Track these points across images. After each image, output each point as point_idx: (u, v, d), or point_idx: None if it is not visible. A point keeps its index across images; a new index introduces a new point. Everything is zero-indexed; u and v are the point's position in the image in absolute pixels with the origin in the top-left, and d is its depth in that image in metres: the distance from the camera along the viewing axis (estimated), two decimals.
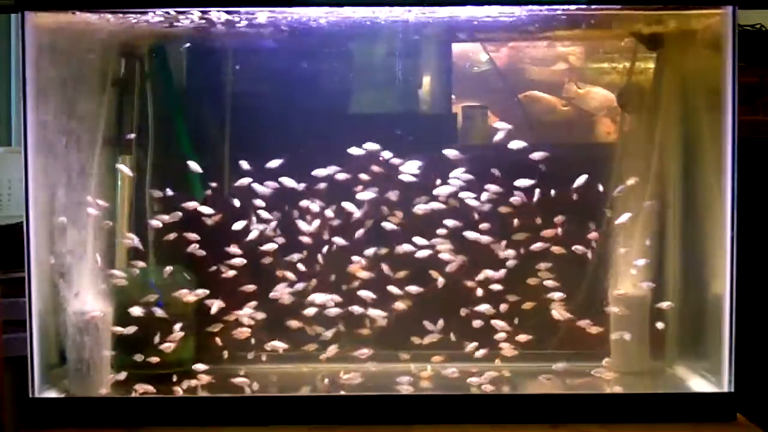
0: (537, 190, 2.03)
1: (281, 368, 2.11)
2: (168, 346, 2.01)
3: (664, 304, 2.05)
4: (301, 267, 2.08)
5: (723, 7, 1.89)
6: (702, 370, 2.05)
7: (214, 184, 2.09)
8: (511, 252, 2.06)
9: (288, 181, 2.05)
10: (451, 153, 2.04)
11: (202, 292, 2.04)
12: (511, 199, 2.04)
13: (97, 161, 2.00)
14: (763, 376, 2.41)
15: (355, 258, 2.08)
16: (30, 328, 1.89)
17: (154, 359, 2.01)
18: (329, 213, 2.07)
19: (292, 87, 2.19)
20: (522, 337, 2.06)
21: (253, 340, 2.08)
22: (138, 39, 2.14)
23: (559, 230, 2.05)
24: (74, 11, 1.91)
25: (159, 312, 2.02)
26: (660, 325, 2.05)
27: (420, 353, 2.11)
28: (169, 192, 2.05)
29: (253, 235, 2.06)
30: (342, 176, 2.05)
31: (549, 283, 2.07)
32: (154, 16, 1.94)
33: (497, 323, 2.05)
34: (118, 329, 1.98)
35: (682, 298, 2.09)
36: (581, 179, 2.02)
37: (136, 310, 1.99)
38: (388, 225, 2.07)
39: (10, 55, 2.62)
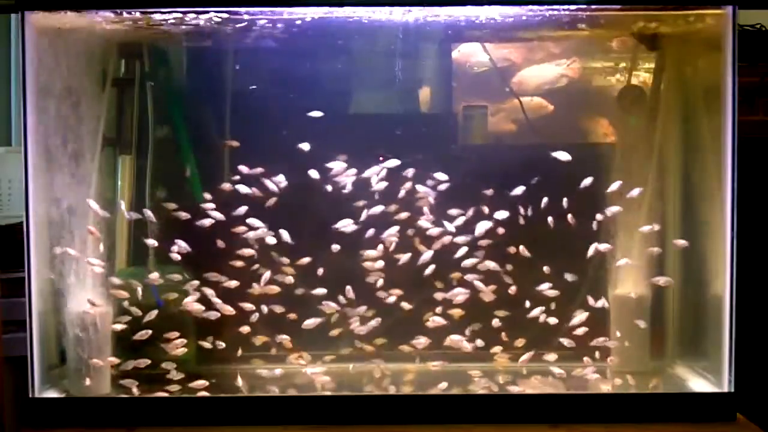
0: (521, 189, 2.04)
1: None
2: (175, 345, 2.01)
3: (661, 280, 2.04)
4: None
5: (723, 7, 1.89)
6: (702, 370, 2.05)
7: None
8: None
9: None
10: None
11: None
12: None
13: (97, 161, 1.99)
14: (763, 376, 2.42)
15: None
16: (30, 328, 1.89)
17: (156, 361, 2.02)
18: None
19: (290, 87, 2.19)
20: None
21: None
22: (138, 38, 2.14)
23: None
24: (74, 11, 1.92)
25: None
26: (642, 323, 2.06)
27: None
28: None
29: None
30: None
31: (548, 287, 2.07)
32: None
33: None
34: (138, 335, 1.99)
35: (682, 298, 2.09)
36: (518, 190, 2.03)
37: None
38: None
39: (10, 55, 2.62)
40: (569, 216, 2.02)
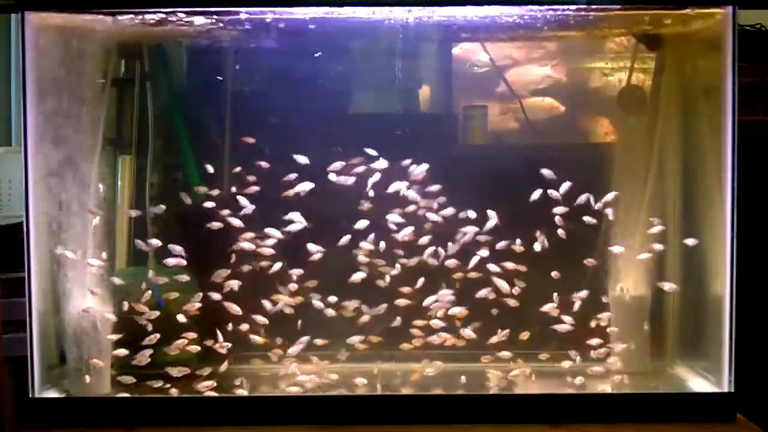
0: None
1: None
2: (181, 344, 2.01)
3: (666, 285, 2.04)
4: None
5: (723, 7, 1.89)
6: (702, 370, 2.05)
7: None
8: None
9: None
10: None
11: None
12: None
13: (97, 161, 1.99)
14: (763, 376, 2.41)
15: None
16: (30, 328, 1.89)
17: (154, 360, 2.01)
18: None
19: (291, 87, 2.20)
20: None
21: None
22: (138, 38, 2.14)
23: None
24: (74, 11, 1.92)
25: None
26: (645, 326, 2.07)
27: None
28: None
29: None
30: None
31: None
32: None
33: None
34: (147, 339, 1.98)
35: (682, 298, 2.09)
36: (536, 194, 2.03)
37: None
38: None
39: (10, 55, 2.62)
40: (558, 219, 2.04)
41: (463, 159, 2.21)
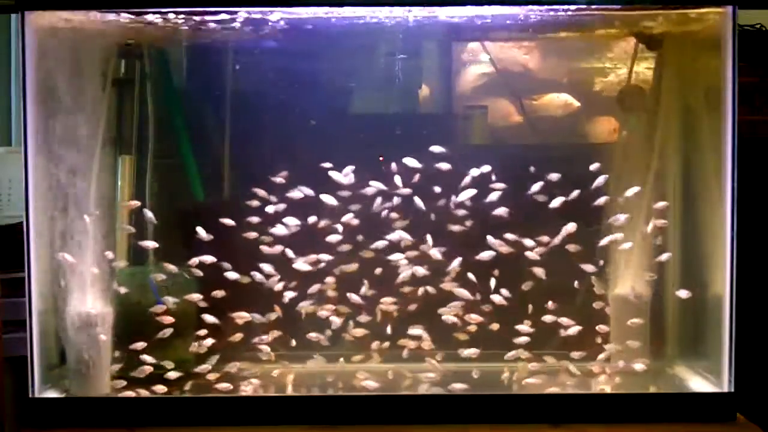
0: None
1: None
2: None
3: (683, 293, 2.04)
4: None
5: (723, 7, 1.89)
6: (702, 370, 2.05)
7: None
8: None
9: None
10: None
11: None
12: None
13: (97, 161, 1.99)
14: (763, 376, 2.42)
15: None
16: (30, 328, 1.89)
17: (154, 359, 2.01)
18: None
19: (291, 87, 2.20)
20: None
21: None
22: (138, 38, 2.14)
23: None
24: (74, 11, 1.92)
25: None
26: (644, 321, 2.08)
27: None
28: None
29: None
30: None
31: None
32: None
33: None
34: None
35: (682, 297, 2.09)
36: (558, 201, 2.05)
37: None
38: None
39: (10, 55, 2.62)
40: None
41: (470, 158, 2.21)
